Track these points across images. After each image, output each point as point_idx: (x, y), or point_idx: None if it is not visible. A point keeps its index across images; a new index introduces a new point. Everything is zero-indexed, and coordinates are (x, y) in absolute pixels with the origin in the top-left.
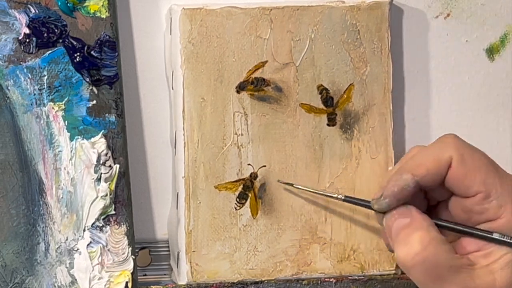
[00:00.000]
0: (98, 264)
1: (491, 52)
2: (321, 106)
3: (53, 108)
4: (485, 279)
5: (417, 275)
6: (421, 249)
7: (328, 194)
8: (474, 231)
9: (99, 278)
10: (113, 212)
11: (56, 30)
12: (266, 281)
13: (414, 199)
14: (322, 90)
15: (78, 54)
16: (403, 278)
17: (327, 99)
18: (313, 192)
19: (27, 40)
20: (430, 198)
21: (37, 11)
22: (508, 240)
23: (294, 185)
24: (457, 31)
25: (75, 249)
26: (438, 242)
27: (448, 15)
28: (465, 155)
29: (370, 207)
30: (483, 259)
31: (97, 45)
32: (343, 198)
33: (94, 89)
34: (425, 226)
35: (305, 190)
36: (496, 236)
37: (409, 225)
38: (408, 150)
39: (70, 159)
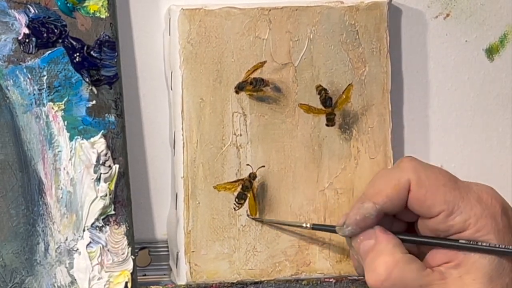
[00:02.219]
0: (97, 264)
1: (491, 52)
2: (320, 106)
3: (52, 108)
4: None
5: None
6: (387, 274)
7: (295, 225)
8: (441, 241)
9: (99, 278)
10: (112, 212)
11: (55, 30)
12: (265, 281)
13: (384, 221)
14: (321, 90)
15: (77, 54)
16: None
17: (326, 99)
18: (282, 224)
19: (27, 40)
20: (400, 219)
21: (36, 11)
22: (474, 246)
23: (264, 221)
24: (456, 31)
25: (75, 249)
26: (404, 263)
27: (448, 15)
28: (422, 176)
29: (336, 232)
30: (455, 270)
31: (96, 45)
32: (311, 227)
33: (94, 89)
34: (389, 248)
35: (274, 224)
36: (462, 242)
37: (373, 248)
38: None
39: (70, 159)
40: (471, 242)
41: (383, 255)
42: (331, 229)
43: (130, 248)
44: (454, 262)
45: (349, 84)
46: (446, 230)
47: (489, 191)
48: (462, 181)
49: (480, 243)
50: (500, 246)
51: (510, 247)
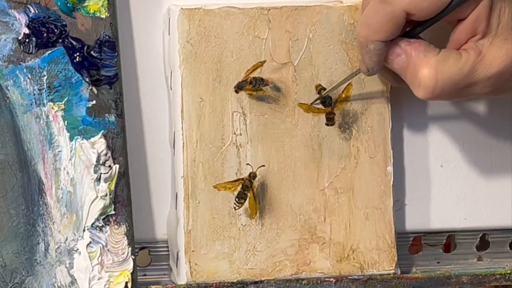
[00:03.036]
0: (97, 264)
1: None
2: (320, 105)
3: (52, 108)
4: (497, 57)
5: (443, 98)
6: (434, 83)
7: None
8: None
9: (99, 278)
10: (112, 212)
11: (55, 30)
12: (266, 281)
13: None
14: (321, 89)
15: (77, 54)
16: (403, 278)
17: (326, 99)
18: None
19: (27, 40)
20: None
21: (36, 11)
22: None
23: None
24: None
25: (75, 249)
26: (443, 63)
27: None
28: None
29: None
30: (484, 40)
31: (96, 45)
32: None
33: (94, 89)
34: (422, 57)
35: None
36: None
37: (407, 62)
38: None
39: (70, 159)
40: None
41: (420, 67)
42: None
43: (130, 248)
44: (479, 33)
45: (348, 84)
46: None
47: None
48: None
49: None
50: None
51: None
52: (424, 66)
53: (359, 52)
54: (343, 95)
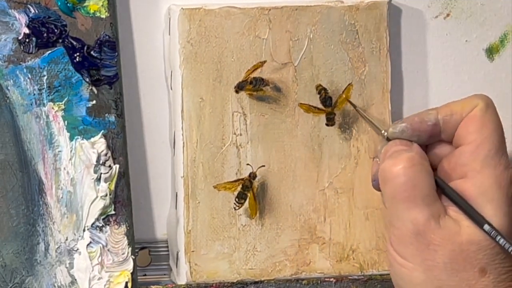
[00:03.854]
0: (98, 264)
1: (491, 52)
2: (320, 105)
3: (52, 108)
4: (450, 226)
5: (392, 189)
6: (407, 165)
7: (376, 125)
8: (468, 207)
9: (99, 278)
10: (113, 212)
11: (56, 30)
12: (266, 281)
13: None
14: (321, 90)
15: (78, 54)
16: None
17: (326, 99)
18: (365, 120)
19: (27, 40)
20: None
21: (36, 11)
22: (499, 240)
23: (356, 108)
24: (456, 31)
25: (75, 249)
26: (426, 170)
27: (448, 15)
28: (490, 109)
29: (384, 135)
30: (453, 214)
31: (96, 45)
32: (386, 137)
33: (94, 89)
34: (420, 154)
35: (361, 114)
36: (486, 228)
37: (405, 150)
38: None
39: (70, 159)
40: (493, 232)
41: (411, 153)
42: (379, 127)
43: (130, 248)
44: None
45: (348, 84)
46: (462, 165)
47: None
48: (507, 160)
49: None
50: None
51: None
52: (416, 154)
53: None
54: (344, 95)
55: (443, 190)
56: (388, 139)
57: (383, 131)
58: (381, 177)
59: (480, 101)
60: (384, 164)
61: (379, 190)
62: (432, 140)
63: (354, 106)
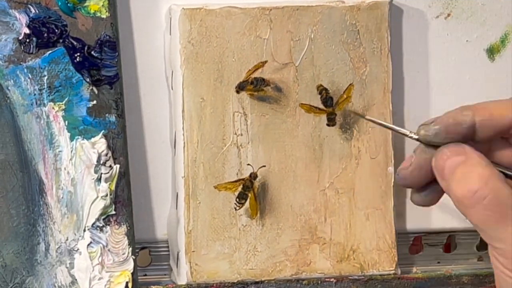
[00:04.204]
0: (98, 264)
1: (492, 52)
2: (321, 106)
3: (53, 108)
4: None
5: (478, 215)
6: (482, 185)
7: (400, 131)
8: None
9: (99, 278)
10: (113, 212)
11: (56, 30)
12: (266, 281)
13: None
14: (322, 90)
15: (78, 54)
16: (403, 278)
17: (327, 99)
18: (385, 126)
19: (27, 40)
20: None
21: (37, 11)
22: None
23: (365, 117)
24: (457, 31)
25: (75, 249)
26: (499, 179)
27: (449, 15)
28: None
29: (412, 137)
30: None
31: (97, 45)
32: (415, 138)
33: (94, 89)
34: (483, 163)
35: (376, 122)
36: None
37: (465, 162)
38: None
39: (70, 159)
40: None
41: (477, 167)
42: (408, 133)
43: (130, 248)
44: None
45: (350, 84)
46: None
47: None
48: None
49: None
50: None
51: None
52: (481, 168)
53: (448, 113)
54: (345, 96)
55: None
56: (420, 142)
57: (410, 134)
58: (459, 205)
59: None
60: (455, 193)
61: (403, 185)
62: (464, 140)
63: (363, 116)
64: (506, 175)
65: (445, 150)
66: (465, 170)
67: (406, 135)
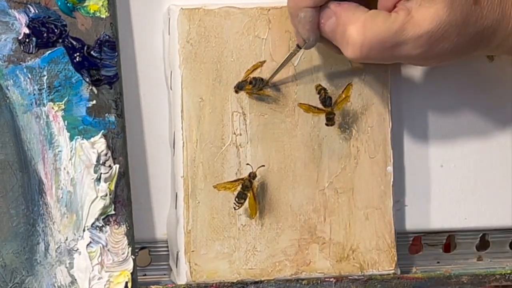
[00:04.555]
0: (98, 264)
1: None
2: (320, 105)
3: (52, 108)
4: (426, 17)
5: (373, 57)
6: (361, 38)
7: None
8: None
9: (99, 278)
10: (112, 212)
11: (56, 30)
12: (266, 281)
13: None
14: (321, 89)
15: (78, 54)
16: (403, 278)
17: (326, 99)
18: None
19: (27, 40)
20: None
21: (36, 11)
22: None
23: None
24: None
25: (75, 249)
26: (371, 20)
27: None
28: None
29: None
30: (413, 2)
31: (96, 45)
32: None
33: (94, 89)
34: (350, 15)
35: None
36: None
37: (337, 23)
38: None
39: (70, 159)
40: None
41: (348, 25)
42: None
43: (130, 248)
44: None
45: (348, 84)
46: None
47: None
48: None
49: None
50: None
51: None
52: (352, 23)
53: (292, 24)
54: (343, 95)
55: None
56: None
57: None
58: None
59: None
60: (347, 53)
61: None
62: None
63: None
64: None
65: (320, 20)
66: (341, 30)
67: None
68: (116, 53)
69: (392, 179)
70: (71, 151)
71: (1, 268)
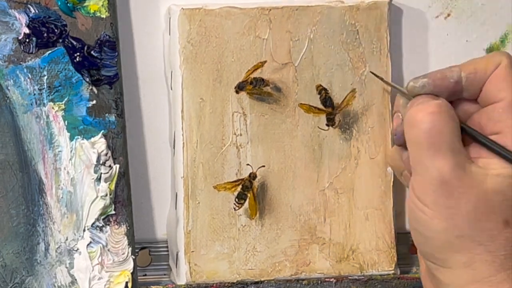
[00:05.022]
0: (98, 264)
1: (492, 52)
2: (320, 106)
3: (53, 108)
4: (476, 174)
5: (417, 135)
6: (437, 111)
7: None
8: (490, 144)
9: (99, 278)
10: (113, 212)
11: (56, 30)
12: (266, 281)
13: None
14: (321, 90)
15: (78, 54)
16: (403, 278)
17: (326, 99)
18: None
19: (27, 40)
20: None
21: (37, 11)
22: None
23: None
24: (457, 31)
25: (75, 249)
26: (454, 119)
27: (449, 15)
28: None
29: (403, 91)
30: (481, 163)
31: (97, 45)
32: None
33: (94, 89)
34: (447, 103)
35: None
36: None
37: (433, 98)
38: None
39: (70, 159)
40: None
41: (437, 100)
42: (400, 88)
43: (130, 248)
44: (486, 159)
45: (352, 90)
46: (497, 121)
47: None
48: None
49: None
50: None
51: None
52: (443, 102)
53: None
54: (345, 103)
55: (474, 138)
56: (409, 96)
57: (402, 89)
58: (407, 123)
59: (503, 58)
60: (411, 110)
61: (399, 144)
62: (453, 97)
63: (377, 75)
64: (475, 138)
65: (423, 94)
66: (428, 99)
67: (401, 91)
68: (116, 53)
69: (392, 180)
70: (71, 151)
71: (1, 268)
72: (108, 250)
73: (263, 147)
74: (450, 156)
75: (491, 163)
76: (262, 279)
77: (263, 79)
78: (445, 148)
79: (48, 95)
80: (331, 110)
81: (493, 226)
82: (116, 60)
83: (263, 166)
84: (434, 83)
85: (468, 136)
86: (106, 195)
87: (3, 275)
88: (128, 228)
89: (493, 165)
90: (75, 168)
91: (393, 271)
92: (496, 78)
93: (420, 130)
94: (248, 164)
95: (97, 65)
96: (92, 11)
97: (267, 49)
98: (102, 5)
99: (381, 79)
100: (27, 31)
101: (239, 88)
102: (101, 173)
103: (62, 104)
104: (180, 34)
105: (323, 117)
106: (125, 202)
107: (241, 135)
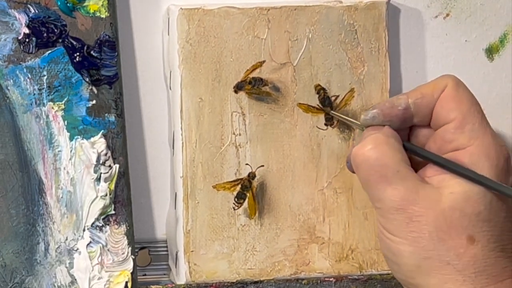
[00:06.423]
0: (97, 264)
1: (491, 52)
2: (319, 105)
3: (52, 108)
4: (430, 195)
5: (363, 172)
6: (373, 146)
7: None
8: (441, 161)
9: (99, 278)
10: (112, 212)
11: (55, 30)
12: (265, 281)
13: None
14: (320, 89)
15: (77, 54)
16: None
17: (325, 99)
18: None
19: (27, 40)
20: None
21: (36, 11)
22: (469, 174)
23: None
24: (456, 31)
25: (75, 249)
26: (393, 147)
27: (447, 15)
28: (461, 86)
29: (356, 124)
30: (436, 182)
31: (96, 45)
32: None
33: (94, 89)
34: (387, 133)
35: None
36: (459, 165)
37: (374, 133)
38: None
39: (70, 159)
40: (469, 169)
41: (378, 134)
42: (354, 121)
43: (130, 248)
44: (440, 175)
45: (350, 90)
46: (450, 141)
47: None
48: (487, 120)
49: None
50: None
51: (503, 184)
52: (381, 134)
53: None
54: (343, 102)
55: (426, 158)
56: (362, 127)
57: (355, 121)
58: (353, 163)
59: (449, 80)
60: (354, 149)
61: (353, 172)
62: (405, 125)
63: (328, 112)
64: (416, 153)
65: (369, 127)
66: (368, 134)
67: (355, 123)
68: (116, 53)
69: None
70: (71, 151)
71: (1, 268)
72: (108, 250)
73: (262, 147)
74: (399, 184)
75: (445, 179)
76: (262, 279)
77: (261, 79)
78: (391, 177)
79: (48, 95)
80: (330, 109)
81: (457, 243)
82: (115, 60)
83: (262, 165)
84: (383, 112)
85: (422, 157)
86: (106, 195)
87: (2, 275)
88: (128, 228)
89: (448, 182)
90: (75, 168)
91: None
92: (444, 99)
93: (364, 169)
94: (247, 164)
95: (96, 65)
96: (91, 11)
97: (265, 49)
98: (102, 5)
99: (338, 116)
100: (27, 31)
101: (238, 88)
102: (101, 173)
103: (61, 104)
104: (179, 34)
105: (321, 117)
106: (124, 202)
107: (240, 134)
